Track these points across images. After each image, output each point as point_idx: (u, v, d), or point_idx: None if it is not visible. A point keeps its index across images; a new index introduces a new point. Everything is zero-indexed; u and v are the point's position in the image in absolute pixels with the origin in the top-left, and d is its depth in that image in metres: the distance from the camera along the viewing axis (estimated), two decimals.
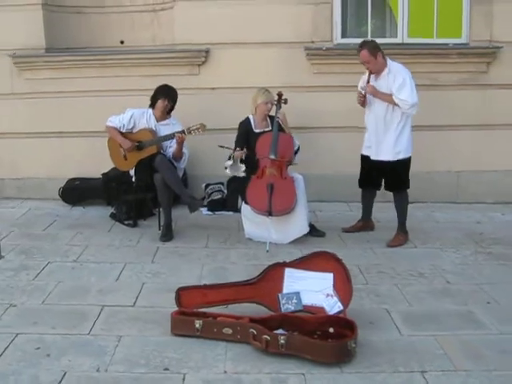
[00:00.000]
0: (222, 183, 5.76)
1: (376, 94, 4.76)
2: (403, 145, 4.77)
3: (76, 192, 5.86)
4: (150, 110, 5.13)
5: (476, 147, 5.98)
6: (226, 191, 5.74)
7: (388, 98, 4.69)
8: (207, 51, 5.84)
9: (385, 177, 4.92)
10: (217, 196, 5.77)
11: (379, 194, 5.14)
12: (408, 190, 4.93)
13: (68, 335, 3.33)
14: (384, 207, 5.18)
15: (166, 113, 5.16)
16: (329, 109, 5.85)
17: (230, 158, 5.01)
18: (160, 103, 5.07)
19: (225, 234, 5.08)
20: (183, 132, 4.84)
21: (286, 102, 5.07)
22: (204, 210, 5.73)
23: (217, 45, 5.82)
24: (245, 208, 4.95)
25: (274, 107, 5.08)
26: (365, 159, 5.01)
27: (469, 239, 5.02)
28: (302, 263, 3.62)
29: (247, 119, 5.17)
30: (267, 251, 4.61)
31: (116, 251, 4.69)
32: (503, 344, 3.26)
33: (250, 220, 4.93)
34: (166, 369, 3.02)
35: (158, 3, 6.08)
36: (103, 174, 5.74)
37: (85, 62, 5.86)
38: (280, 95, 5.08)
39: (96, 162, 5.70)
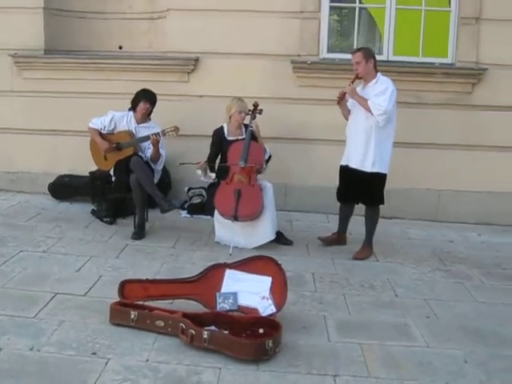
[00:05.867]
0: (204, 188, 5.89)
1: (354, 94, 4.76)
2: (380, 158, 4.77)
3: (64, 188, 6.12)
4: (131, 113, 5.35)
5: (458, 167, 6.00)
6: (206, 196, 5.88)
7: (364, 103, 4.69)
8: (196, 59, 6.03)
9: (359, 190, 4.91)
10: (197, 200, 5.91)
11: (358, 208, 5.12)
12: (387, 206, 4.98)
13: (14, 317, 3.53)
14: (360, 220, 5.10)
15: (147, 115, 5.36)
16: (312, 121, 5.98)
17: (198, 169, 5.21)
18: (141, 105, 5.28)
19: (195, 237, 5.22)
20: (158, 134, 5.04)
21: (260, 112, 5.22)
22: (183, 213, 5.90)
23: (206, 54, 6.00)
24: (217, 212, 5.10)
25: (249, 116, 5.23)
26: (342, 170, 5.03)
27: (434, 257, 5.05)
28: (244, 265, 3.76)
29: (221, 128, 5.34)
30: (230, 254, 4.73)
31: (86, 245, 4.89)
32: (425, 357, 3.32)
33: (221, 224, 5.07)
34: (94, 353, 3.19)
35: (155, 11, 6.30)
36: (90, 173, 5.97)
37: (81, 65, 6.11)
38: (256, 105, 5.23)
39: (86, 161, 5.83)
